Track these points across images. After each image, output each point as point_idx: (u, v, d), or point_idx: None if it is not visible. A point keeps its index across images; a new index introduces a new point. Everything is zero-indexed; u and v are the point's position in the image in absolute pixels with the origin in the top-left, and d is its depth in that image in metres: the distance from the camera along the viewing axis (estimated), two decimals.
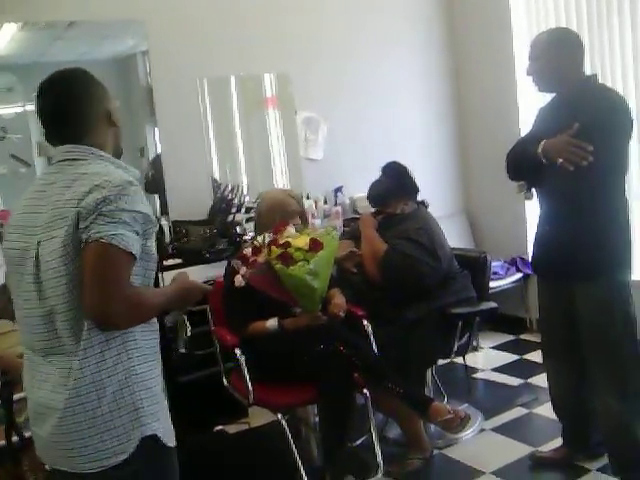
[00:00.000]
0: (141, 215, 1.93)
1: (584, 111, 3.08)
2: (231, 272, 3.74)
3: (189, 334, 3.02)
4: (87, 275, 1.85)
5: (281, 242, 3.51)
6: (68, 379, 1.92)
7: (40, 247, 1.94)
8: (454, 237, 5.25)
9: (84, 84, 2.10)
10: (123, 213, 1.88)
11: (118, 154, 2.17)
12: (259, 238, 3.66)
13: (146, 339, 2.03)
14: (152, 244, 2.04)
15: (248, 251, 3.64)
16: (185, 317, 2.78)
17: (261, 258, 3.52)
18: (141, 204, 1.94)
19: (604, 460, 3.54)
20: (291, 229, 3.67)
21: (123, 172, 2.02)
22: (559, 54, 3.16)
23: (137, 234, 1.91)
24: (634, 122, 3.22)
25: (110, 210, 1.86)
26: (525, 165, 3.30)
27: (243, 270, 3.60)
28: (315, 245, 3.48)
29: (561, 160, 3.00)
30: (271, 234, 3.62)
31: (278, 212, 3.87)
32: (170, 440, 2.05)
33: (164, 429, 2.02)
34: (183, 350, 4.04)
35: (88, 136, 2.06)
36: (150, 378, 2.01)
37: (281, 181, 5.47)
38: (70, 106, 2.06)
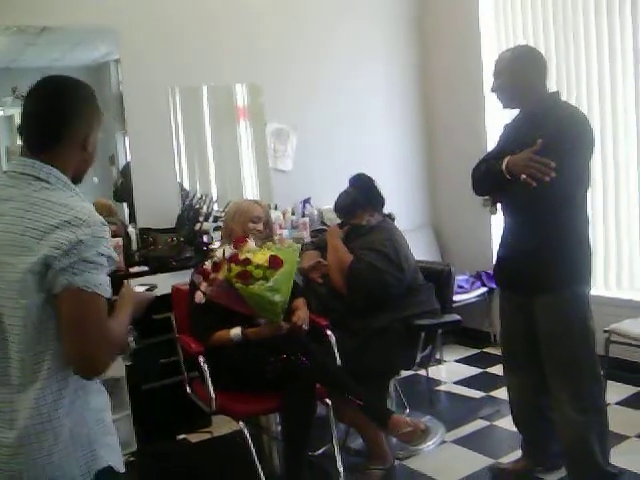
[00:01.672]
0: (111, 257, 1.88)
1: (547, 127, 3.13)
2: (194, 286, 3.75)
3: (134, 346, 3.00)
4: (70, 324, 1.80)
5: (241, 258, 3.52)
6: (14, 414, 1.83)
7: None
8: (420, 251, 5.29)
9: (79, 99, 1.98)
10: (101, 257, 1.82)
11: (77, 180, 2.00)
12: (218, 253, 3.69)
13: None
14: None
15: (208, 266, 3.65)
16: (131, 327, 2.77)
17: (221, 275, 3.54)
18: (110, 244, 1.90)
19: (562, 472, 3.57)
20: (251, 243, 3.68)
21: (90, 206, 1.89)
22: (522, 71, 3.22)
23: (108, 275, 1.88)
24: (595, 139, 3.29)
25: (92, 255, 1.80)
26: (489, 181, 3.34)
27: (204, 286, 3.61)
28: (275, 262, 3.50)
29: (524, 176, 3.05)
30: (231, 247, 3.65)
31: (240, 218, 3.90)
32: (121, 467, 2.01)
33: (116, 458, 1.99)
34: (128, 362, 3.98)
35: (54, 150, 1.91)
36: (102, 410, 1.98)
37: (250, 191, 5.49)
38: (54, 110, 1.92)
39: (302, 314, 3.81)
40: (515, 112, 3.43)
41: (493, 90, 3.34)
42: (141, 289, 2.20)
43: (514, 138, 3.33)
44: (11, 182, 1.89)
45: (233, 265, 3.50)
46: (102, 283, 1.82)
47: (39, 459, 1.83)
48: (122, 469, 2.02)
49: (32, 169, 1.88)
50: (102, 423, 1.96)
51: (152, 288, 2.23)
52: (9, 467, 1.84)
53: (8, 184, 1.89)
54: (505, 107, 3.40)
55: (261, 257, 3.54)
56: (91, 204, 1.93)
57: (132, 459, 4.11)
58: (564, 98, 3.51)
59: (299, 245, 3.91)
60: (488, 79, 3.42)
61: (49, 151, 1.91)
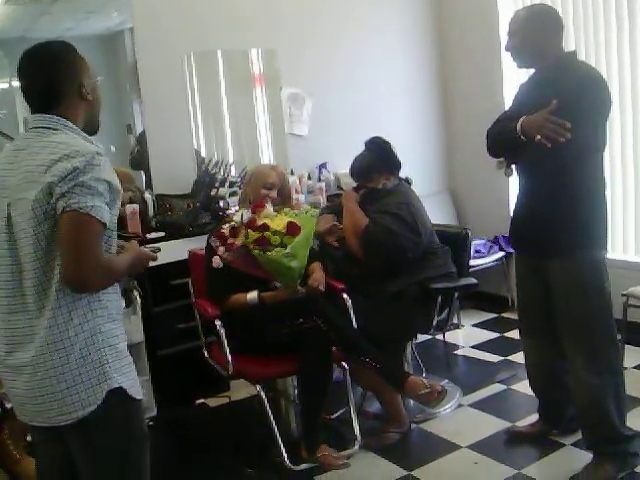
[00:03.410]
0: (111, 185, 2.05)
1: (563, 87, 3.09)
2: (210, 249, 3.75)
3: (139, 300, 3.07)
4: (65, 243, 1.98)
5: (259, 224, 3.52)
6: (33, 337, 2.05)
7: (11, 208, 2.05)
8: (438, 215, 5.27)
9: (59, 57, 2.17)
10: (98, 183, 2.00)
11: (92, 128, 2.25)
12: (236, 217, 3.68)
13: (110, 300, 2.16)
14: (116, 213, 2.15)
15: (226, 230, 3.65)
16: (135, 282, 2.86)
17: (238, 241, 3.54)
18: (111, 174, 2.07)
19: (578, 435, 3.57)
20: (269, 208, 3.67)
21: (89, 144, 2.12)
22: (537, 29, 3.17)
23: (107, 205, 2.04)
24: (613, 100, 3.25)
25: (86, 180, 1.97)
26: (504, 142, 3.30)
27: (221, 250, 3.61)
28: (292, 229, 3.50)
29: (539, 137, 3.01)
30: (249, 212, 3.65)
31: (255, 182, 3.90)
32: (136, 393, 2.19)
33: (130, 383, 2.16)
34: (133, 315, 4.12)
35: (59, 107, 2.14)
36: (114, 336, 2.15)
37: (267, 156, 5.47)
38: (41, 77, 2.14)
39: (318, 276, 3.82)
40: (531, 72, 3.39)
41: (507, 49, 3.29)
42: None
43: (529, 98, 3.28)
44: (28, 135, 2.15)
45: (251, 231, 3.51)
46: (96, 206, 1.98)
47: (54, 377, 2.04)
48: (137, 396, 2.19)
49: (42, 121, 2.13)
50: (115, 349, 2.14)
51: (155, 250, 2.44)
52: (29, 385, 2.07)
53: (26, 136, 2.15)
54: (520, 66, 3.36)
55: (279, 223, 3.54)
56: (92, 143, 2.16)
57: (151, 424, 4.15)
58: (581, 59, 3.46)
59: (317, 210, 3.88)
60: (505, 39, 3.38)
61: (51, 110, 2.14)
